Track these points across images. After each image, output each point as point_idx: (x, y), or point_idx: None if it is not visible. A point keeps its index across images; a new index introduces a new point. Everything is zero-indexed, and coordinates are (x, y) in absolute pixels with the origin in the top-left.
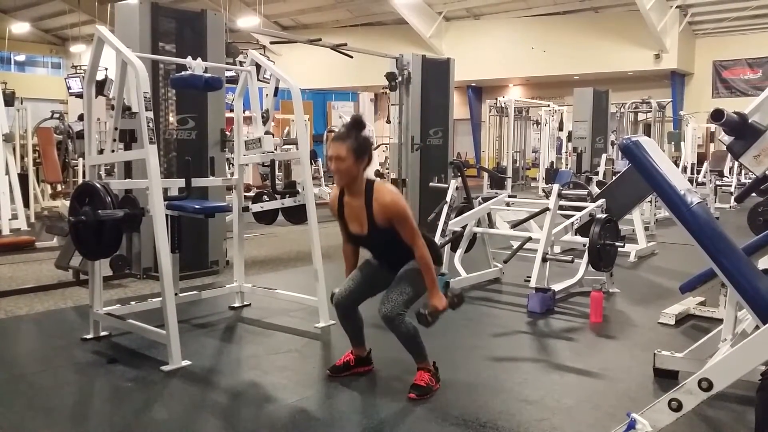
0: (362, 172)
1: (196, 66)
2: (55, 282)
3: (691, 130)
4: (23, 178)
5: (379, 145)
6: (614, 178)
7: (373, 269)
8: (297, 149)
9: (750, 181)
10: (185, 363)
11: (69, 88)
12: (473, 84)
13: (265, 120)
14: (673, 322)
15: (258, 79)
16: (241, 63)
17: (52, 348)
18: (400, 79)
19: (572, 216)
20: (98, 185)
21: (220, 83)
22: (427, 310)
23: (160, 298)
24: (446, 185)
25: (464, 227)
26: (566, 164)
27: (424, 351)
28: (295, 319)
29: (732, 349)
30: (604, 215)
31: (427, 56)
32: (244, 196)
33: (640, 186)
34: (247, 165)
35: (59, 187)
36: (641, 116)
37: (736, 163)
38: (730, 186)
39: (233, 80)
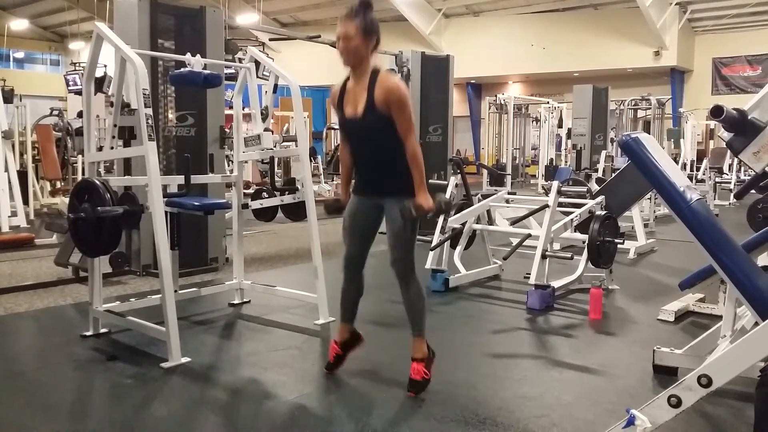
0: (370, 54)
1: (195, 63)
2: (55, 279)
3: (690, 127)
4: (22, 175)
5: None
6: (614, 175)
7: (361, 208)
8: (296, 146)
9: (749, 177)
10: (185, 360)
11: (68, 84)
12: (473, 81)
13: (265, 117)
14: (672, 319)
15: (257, 76)
16: (240, 60)
17: (51, 345)
18: (399, 75)
19: (572, 213)
20: (97, 182)
21: (219, 80)
22: (412, 205)
23: (160, 295)
24: (446, 182)
25: (464, 224)
26: (566, 161)
27: (424, 322)
28: (295, 316)
29: (731, 346)
30: (604, 212)
31: (426, 53)
32: (244, 193)
33: (639, 183)
34: (246, 162)
35: (58, 184)
36: (641, 113)
37: (736, 159)
38: (730, 183)
39: (232, 77)
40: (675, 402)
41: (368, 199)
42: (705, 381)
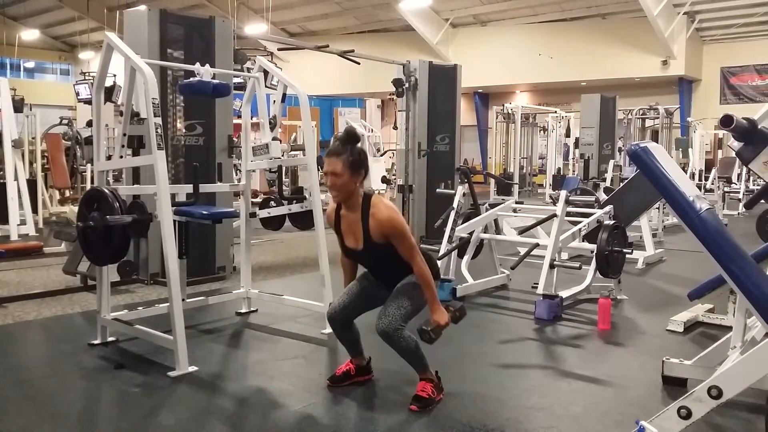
0: (359, 187)
1: (204, 72)
2: (63, 287)
3: (698, 137)
4: (32, 184)
5: (386, 152)
6: (622, 184)
7: (371, 283)
8: (304, 155)
9: (759, 187)
10: (192, 368)
11: (78, 94)
12: (480, 90)
13: (273, 126)
14: (681, 330)
15: (266, 86)
16: (248, 69)
17: (59, 353)
18: (407, 85)
19: (580, 222)
20: (106, 191)
21: (228, 89)
22: (430, 327)
23: (168, 304)
24: (453, 191)
25: (471, 233)
26: (573, 171)
27: (425, 362)
28: (302, 325)
29: (741, 357)
30: (612, 222)
31: (434, 63)
32: (252, 201)
33: (648, 192)
34: (254, 171)
35: (67, 193)
36: (649, 123)
37: (745, 169)
38: (739, 192)
39: (241, 86)
40: (685, 413)
41: (381, 284)
42: (715, 392)
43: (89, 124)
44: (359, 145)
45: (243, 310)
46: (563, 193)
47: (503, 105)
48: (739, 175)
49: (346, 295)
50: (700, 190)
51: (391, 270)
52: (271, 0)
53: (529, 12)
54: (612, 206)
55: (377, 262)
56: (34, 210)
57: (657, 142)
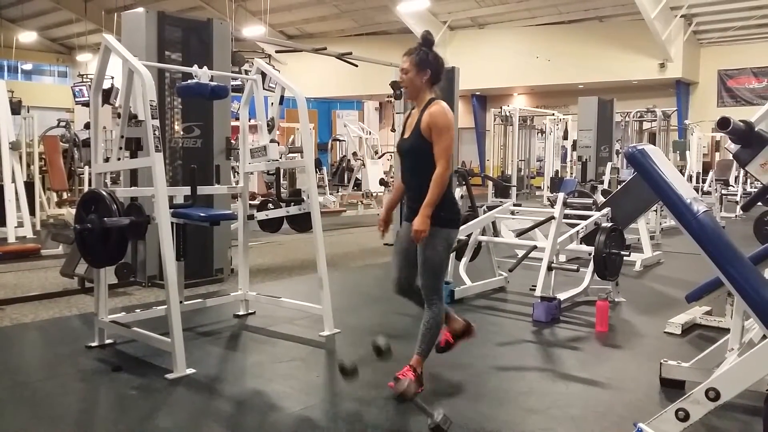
0: (425, 85)
1: (202, 74)
2: (60, 290)
3: (696, 139)
4: (29, 186)
5: (383, 154)
6: (619, 186)
7: (406, 234)
8: (302, 157)
9: (756, 190)
10: (190, 371)
11: (75, 96)
12: (478, 93)
13: (271, 128)
14: (679, 332)
15: (263, 88)
16: (246, 72)
17: (56, 356)
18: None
19: (577, 225)
20: (104, 193)
21: (225, 92)
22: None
23: (165, 306)
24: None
25: (469, 236)
26: (571, 173)
27: (430, 349)
28: (300, 327)
29: (739, 359)
30: (610, 224)
31: None
32: (249, 204)
33: (645, 195)
34: (252, 173)
35: (65, 195)
36: (646, 125)
37: (742, 172)
38: (736, 195)
39: (239, 89)
40: (683, 416)
41: (410, 224)
42: (713, 394)
43: (87, 126)
44: (432, 49)
45: (241, 313)
46: (561, 196)
47: (501, 107)
48: (737, 178)
49: (395, 262)
50: (698, 192)
51: (420, 177)
52: (269, 2)
53: (527, 15)
54: (609, 209)
55: (412, 162)
56: (32, 212)
57: (654, 145)
